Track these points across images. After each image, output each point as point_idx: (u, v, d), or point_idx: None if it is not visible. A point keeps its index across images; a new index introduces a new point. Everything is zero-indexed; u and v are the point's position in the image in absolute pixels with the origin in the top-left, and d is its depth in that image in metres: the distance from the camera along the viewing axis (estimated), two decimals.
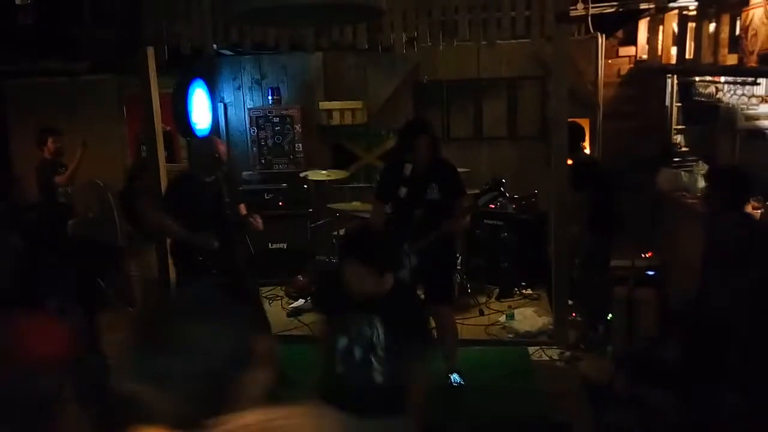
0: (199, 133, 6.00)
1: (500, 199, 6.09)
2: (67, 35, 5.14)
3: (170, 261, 4.82)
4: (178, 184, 4.49)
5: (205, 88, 6.96)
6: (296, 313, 5.76)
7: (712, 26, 5.01)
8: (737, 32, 4.63)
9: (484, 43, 4.83)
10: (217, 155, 4.22)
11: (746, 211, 3.83)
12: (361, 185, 7.00)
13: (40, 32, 5.11)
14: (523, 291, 6.16)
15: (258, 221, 4.32)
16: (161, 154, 5.27)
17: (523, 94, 6.99)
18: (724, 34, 4.84)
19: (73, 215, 5.94)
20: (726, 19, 4.78)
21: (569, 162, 4.92)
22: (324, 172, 6.20)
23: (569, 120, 4.91)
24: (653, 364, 4.17)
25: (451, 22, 4.75)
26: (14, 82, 6.73)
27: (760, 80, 4.72)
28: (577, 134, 5.23)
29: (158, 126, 5.19)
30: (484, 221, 6.34)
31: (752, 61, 4.26)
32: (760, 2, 4.14)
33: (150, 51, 5.05)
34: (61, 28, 5.10)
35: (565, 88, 4.77)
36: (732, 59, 4.76)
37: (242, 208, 4.43)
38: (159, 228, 4.54)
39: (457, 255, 5.96)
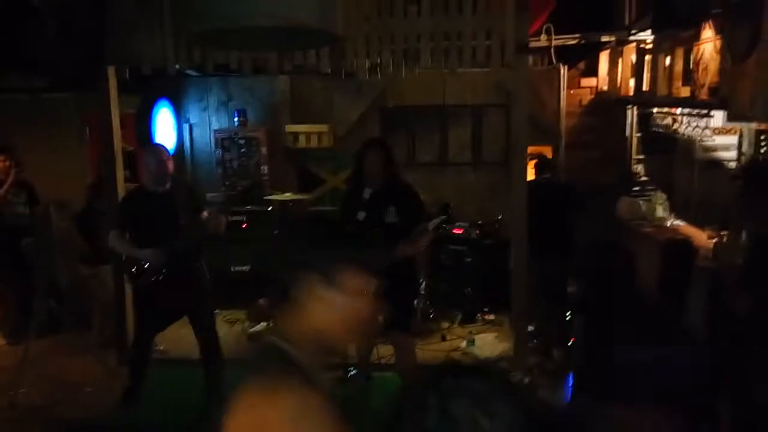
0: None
1: (445, 226, 6.05)
2: (28, 52, 5.08)
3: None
4: (129, 197, 4.48)
5: (171, 108, 6.94)
6: (257, 336, 5.68)
7: (667, 59, 5.16)
8: (691, 65, 4.78)
9: (446, 70, 4.89)
10: (161, 164, 4.15)
11: None
12: (326, 208, 6.98)
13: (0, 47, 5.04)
14: (486, 316, 6.17)
15: (218, 219, 4.26)
16: (120, 173, 5.20)
17: (488, 121, 7.08)
18: (678, 67, 4.99)
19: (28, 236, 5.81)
20: (680, 52, 4.92)
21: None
22: (287, 194, 6.16)
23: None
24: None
25: (413, 49, 4.80)
26: None
27: (713, 112, 4.85)
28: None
29: (117, 145, 5.12)
30: (448, 246, 6.35)
31: (703, 94, 4.39)
32: (710, 37, 4.28)
33: (111, 70, 5.01)
34: (23, 44, 5.04)
35: (524, 116, 4.84)
36: (685, 92, 4.90)
37: (205, 215, 4.35)
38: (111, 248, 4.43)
39: (420, 280, 5.97)
